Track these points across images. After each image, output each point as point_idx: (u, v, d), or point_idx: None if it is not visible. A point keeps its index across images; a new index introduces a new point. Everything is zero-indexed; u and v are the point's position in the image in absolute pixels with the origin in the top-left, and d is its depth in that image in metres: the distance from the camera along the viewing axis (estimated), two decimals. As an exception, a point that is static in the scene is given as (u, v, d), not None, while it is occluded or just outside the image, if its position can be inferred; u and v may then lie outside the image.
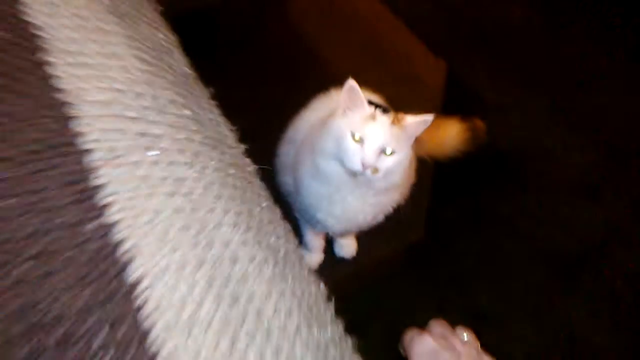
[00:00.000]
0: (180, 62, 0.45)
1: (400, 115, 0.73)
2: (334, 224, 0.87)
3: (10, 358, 0.27)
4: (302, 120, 0.93)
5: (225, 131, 0.43)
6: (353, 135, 0.71)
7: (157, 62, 0.41)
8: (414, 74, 1.43)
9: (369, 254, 1.12)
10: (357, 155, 0.71)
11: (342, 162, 0.73)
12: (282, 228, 0.40)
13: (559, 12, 1.76)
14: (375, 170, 0.72)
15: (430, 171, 1.16)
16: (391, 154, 0.72)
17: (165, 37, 0.45)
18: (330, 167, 0.75)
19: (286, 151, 0.93)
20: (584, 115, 1.52)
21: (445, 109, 1.34)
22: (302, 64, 1.33)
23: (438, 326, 0.50)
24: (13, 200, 0.29)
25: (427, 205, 1.24)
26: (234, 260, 0.33)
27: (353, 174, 0.73)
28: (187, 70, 0.46)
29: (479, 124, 1.16)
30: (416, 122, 0.72)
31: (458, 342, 0.48)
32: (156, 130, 0.36)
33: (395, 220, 0.90)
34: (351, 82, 0.70)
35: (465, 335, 0.50)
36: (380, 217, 0.88)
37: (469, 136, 1.12)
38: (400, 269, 1.20)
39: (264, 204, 0.39)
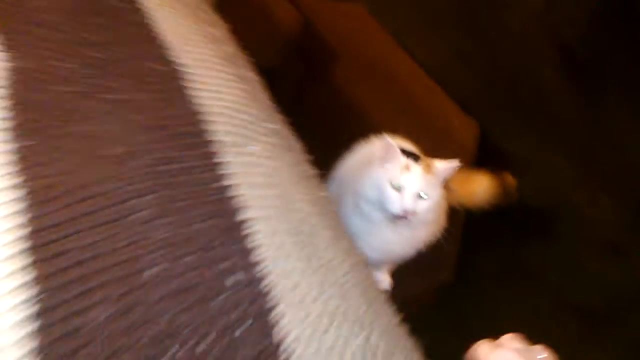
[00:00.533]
0: (266, 97, 0.67)
1: (430, 160, 0.88)
2: (371, 254, 1.02)
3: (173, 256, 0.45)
4: (346, 163, 1.11)
5: (295, 142, 0.63)
6: (391, 184, 0.85)
7: (254, 93, 0.62)
8: (446, 130, 1.60)
9: (401, 290, 1.24)
10: (397, 202, 0.85)
11: (382, 207, 0.87)
12: (334, 205, 0.58)
13: (591, 73, 1.90)
14: (413, 212, 0.86)
15: (461, 219, 1.28)
16: (426, 197, 0.86)
17: (258, 79, 0.67)
18: (370, 209, 0.90)
19: (331, 190, 1.10)
20: (614, 175, 1.63)
21: (475, 164, 1.48)
22: (346, 117, 1.53)
23: (514, 341, 0.47)
24: (176, 165, 0.49)
25: (457, 250, 1.36)
26: (310, 214, 0.51)
27: (392, 216, 0.87)
28: (269, 102, 0.67)
29: (509, 179, 1.29)
30: (445, 167, 0.87)
31: None
32: (257, 135, 0.56)
33: (428, 261, 1.03)
34: (386, 138, 0.87)
35: (545, 355, 0.46)
36: (413, 251, 1.02)
37: (499, 190, 1.26)
38: (429, 309, 1.31)
39: (323, 193, 0.58)
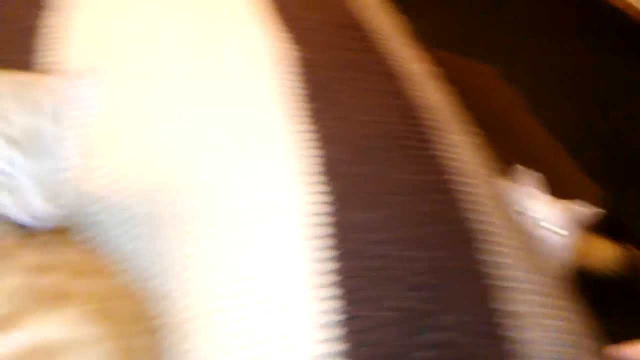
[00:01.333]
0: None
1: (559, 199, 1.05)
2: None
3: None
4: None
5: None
6: (515, 208, 0.97)
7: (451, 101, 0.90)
8: (568, 192, 1.76)
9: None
10: None
11: None
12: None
13: None
14: None
15: (575, 275, 1.41)
16: (547, 227, 0.99)
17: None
18: None
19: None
20: None
21: (599, 233, 1.60)
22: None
23: None
24: (400, 134, 0.76)
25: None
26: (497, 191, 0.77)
27: None
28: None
29: (636, 252, 1.41)
30: (576, 209, 1.05)
31: None
32: (458, 129, 0.83)
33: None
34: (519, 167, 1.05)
35: None
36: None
37: (624, 262, 1.38)
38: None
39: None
